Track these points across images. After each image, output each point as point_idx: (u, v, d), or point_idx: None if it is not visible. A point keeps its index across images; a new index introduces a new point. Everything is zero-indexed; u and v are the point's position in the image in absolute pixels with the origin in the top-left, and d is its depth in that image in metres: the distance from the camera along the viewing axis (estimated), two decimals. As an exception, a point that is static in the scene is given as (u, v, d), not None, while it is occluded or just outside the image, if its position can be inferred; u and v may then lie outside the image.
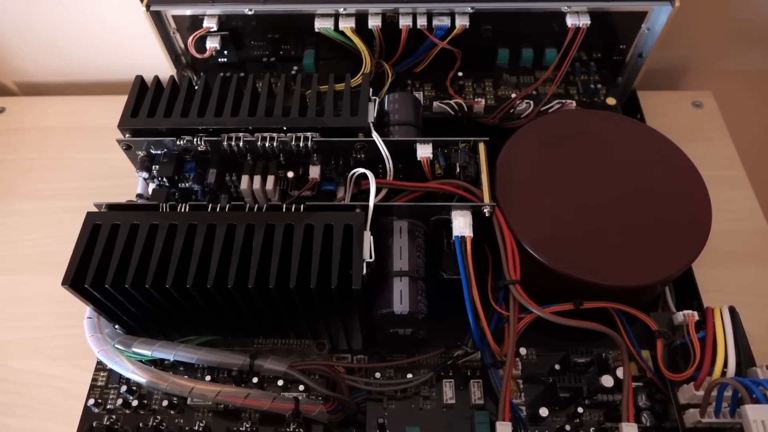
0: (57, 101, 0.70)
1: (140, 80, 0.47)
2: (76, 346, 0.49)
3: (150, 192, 0.47)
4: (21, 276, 0.56)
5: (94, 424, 0.40)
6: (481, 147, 0.45)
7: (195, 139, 0.44)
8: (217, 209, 0.40)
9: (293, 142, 0.44)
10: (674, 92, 0.69)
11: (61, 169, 0.64)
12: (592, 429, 0.40)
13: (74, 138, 0.66)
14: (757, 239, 0.56)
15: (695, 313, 0.39)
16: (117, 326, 0.43)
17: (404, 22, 0.52)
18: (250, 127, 0.44)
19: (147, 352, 0.42)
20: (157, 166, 0.46)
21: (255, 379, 0.42)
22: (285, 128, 0.44)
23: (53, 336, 0.52)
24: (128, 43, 0.67)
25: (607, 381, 0.39)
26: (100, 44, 0.68)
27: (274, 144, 0.44)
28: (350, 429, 0.43)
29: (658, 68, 0.67)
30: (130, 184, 0.48)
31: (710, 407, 0.36)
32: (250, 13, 0.53)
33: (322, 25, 0.53)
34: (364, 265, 0.37)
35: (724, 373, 0.36)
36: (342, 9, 0.52)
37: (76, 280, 0.38)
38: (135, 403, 0.42)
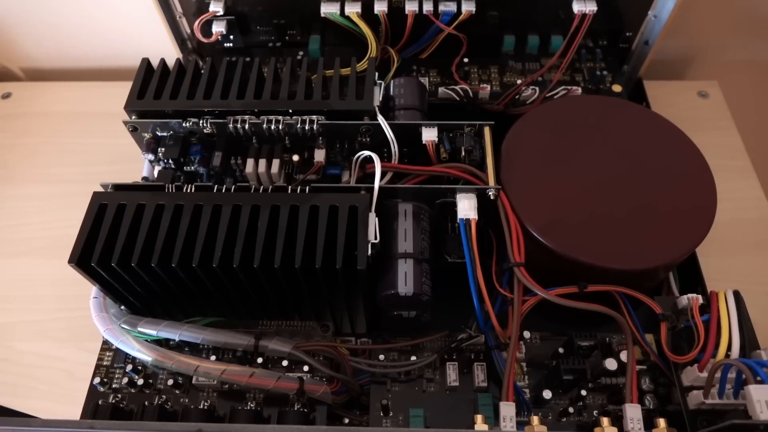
0: (63, 87, 0.70)
1: (146, 63, 0.47)
2: (80, 329, 0.50)
3: (155, 176, 0.47)
4: (25, 259, 0.56)
5: (100, 402, 0.40)
6: (487, 131, 0.45)
7: (201, 121, 0.44)
8: (223, 190, 0.40)
9: (299, 125, 0.44)
10: (680, 82, 0.68)
11: (66, 154, 0.64)
12: (595, 412, 0.41)
13: (79, 123, 0.66)
14: (761, 228, 0.56)
15: (699, 296, 0.39)
16: (122, 306, 0.44)
17: (410, 7, 0.52)
18: (256, 110, 0.44)
19: (153, 331, 0.42)
20: (163, 149, 0.46)
21: (259, 360, 0.43)
22: (290, 111, 0.44)
23: (57, 318, 0.52)
24: (134, 28, 0.67)
25: (610, 364, 0.39)
26: (105, 30, 0.68)
27: (280, 127, 0.44)
28: (354, 411, 0.43)
29: (663, 58, 0.67)
30: (134, 169, 0.49)
31: (714, 389, 0.36)
32: (256, -3, 0.53)
33: (328, 10, 0.53)
34: (369, 246, 0.38)
35: (728, 356, 0.36)
36: (348, -7, 0.52)
37: (83, 258, 0.38)
38: (140, 382, 0.43)
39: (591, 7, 0.51)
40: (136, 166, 0.49)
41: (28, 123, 0.67)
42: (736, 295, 0.39)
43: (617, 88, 0.56)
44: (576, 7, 0.51)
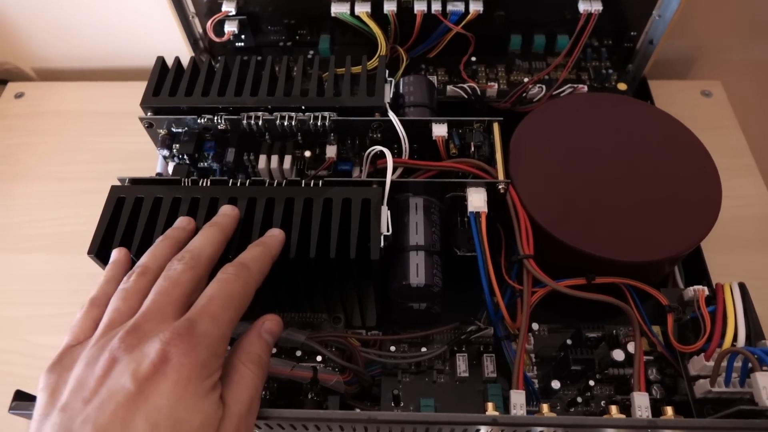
0: (74, 87, 0.71)
1: (162, 61, 0.48)
2: (95, 322, 0.50)
3: (170, 171, 0.48)
4: (39, 254, 0.57)
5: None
6: (496, 127, 0.45)
7: (215, 118, 0.45)
8: (238, 184, 0.41)
9: (311, 121, 0.45)
10: (684, 81, 0.69)
11: (78, 152, 0.65)
12: (603, 402, 0.41)
13: (91, 122, 0.67)
14: (765, 225, 0.57)
15: (705, 288, 0.40)
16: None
17: (419, 7, 0.53)
18: (269, 107, 0.45)
19: (168, 323, 0.42)
20: (178, 145, 0.47)
21: (273, 350, 0.43)
22: (303, 107, 0.45)
23: (71, 312, 0.52)
24: (146, 28, 0.68)
25: (618, 355, 0.40)
26: (117, 30, 0.69)
27: (293, 123, 0.45)
28: (365, 402, 0.44)
29: (667, 58, 0.68)
30: (146, 167, 0.49)
31: (720, 377, 0.36)
32: (267, -3, 0.54)
33: (338, 9, 0.54)
34: (382, 238, 0.38)
35: (733, 345, 0.37)
36: (358, -7, 0.53)
37: (102, 249, 0.38)
38: (155, 373, 0.43)
39: (596, 7, 0.52)
40: (147, 164, 0.49)
41: (41, 122, 0.68)
42: (742, 286, 0.40)
43: (622, 86, 0.57)
44: (581, 7, 0.52)
